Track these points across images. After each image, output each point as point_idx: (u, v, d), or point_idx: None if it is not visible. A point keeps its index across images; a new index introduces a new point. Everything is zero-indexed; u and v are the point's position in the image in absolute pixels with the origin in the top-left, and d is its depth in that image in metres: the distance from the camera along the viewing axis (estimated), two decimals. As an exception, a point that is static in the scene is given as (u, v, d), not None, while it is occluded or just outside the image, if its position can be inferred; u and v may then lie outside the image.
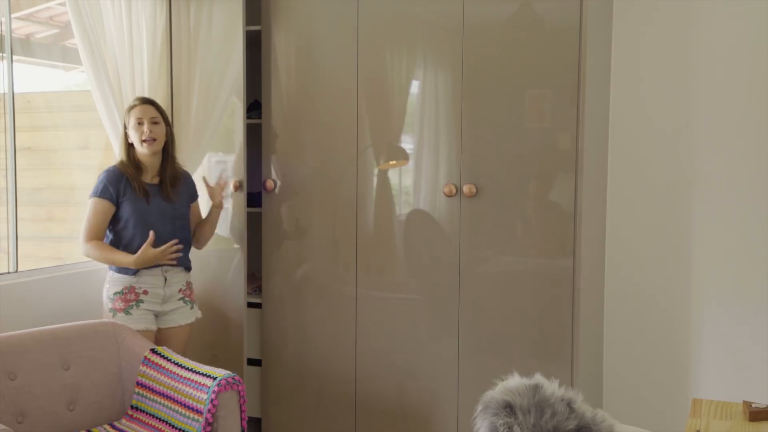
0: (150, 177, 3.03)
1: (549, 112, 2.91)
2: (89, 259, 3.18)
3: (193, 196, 3.20)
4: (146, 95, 3.29)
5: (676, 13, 3.12)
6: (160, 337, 3.08)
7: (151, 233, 2.90)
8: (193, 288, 3.20)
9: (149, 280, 2.99)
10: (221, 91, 3.38)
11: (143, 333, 2.97)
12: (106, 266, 3.17)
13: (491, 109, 2.97)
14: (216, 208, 3.19)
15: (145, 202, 2.96)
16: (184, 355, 3.10)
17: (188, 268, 3.14)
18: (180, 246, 2.98)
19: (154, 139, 2.97)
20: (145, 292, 2.99)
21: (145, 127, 2.96)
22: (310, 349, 3.32)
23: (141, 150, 2.99)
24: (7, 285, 2.91)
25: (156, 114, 3.01)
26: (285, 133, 3.33)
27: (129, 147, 3.00)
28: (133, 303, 2.97)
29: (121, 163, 3.00)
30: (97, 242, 2.94)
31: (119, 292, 2.97)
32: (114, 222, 2.98)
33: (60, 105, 3.60)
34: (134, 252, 2.93)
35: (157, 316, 3.06)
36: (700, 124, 3.10)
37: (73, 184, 3.62)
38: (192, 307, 3.14)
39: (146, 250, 2.89)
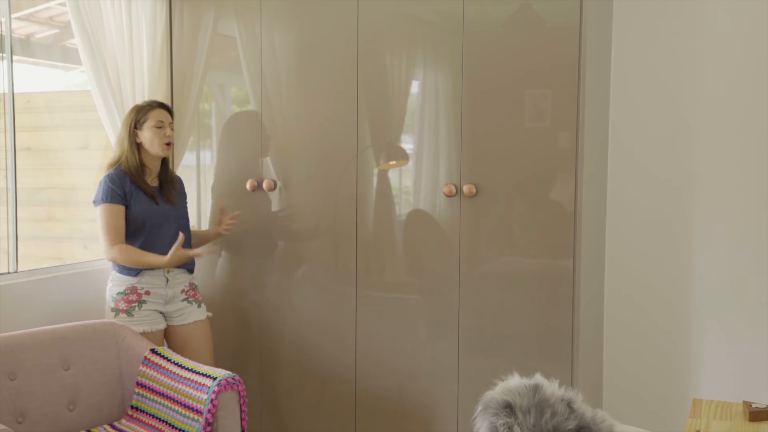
0: (150, 179, 3.05)
1: (549, 112, 2.90)
2: (89, 259, 3.18)
3: (186, 198, 3.25)
4: (146, 95, 3.30)
5: (677, 12, 3.12)
6: (176, 336, 3.09)
7: (181, 235, 2.93)
8: (198, 289, 3.20)
9: (151, 281, 2.99)
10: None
11: (148, 335, 2.97)
12: (106, 266, 3.17)
13: (491, 109, 2.96)
14: (220, 234, 3.26)
15: (153, 203, 2.99)
16: (209, 354, 3.13)
17: (191, 270, 3.15)
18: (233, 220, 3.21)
19: (171, 143, 3.05)
20: (147, 293, 2.99)
21: (168, 131, 3.01)
22: (311, 349, 3.32)
23: (156, 151, 3.01)
24: (7, 285, 2.91)
25: (172, 119, 3.08)
26: (285, 133, 3.33)
27: (138, 147, 3.02)
28: (136, 304, 2.96)
29: (126, 164, 2.99)
30: (123, 245, 2.92)
31: (122, 293, 2.97)
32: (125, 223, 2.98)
33: (60, 105, 3.60)
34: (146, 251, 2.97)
35: (165, 315, 3.07)
36: (700, 124, 3.10)
37: (73, 184, 3.62)
38: (199, 306, 3.15)
39: (177, 250, 2.91)
